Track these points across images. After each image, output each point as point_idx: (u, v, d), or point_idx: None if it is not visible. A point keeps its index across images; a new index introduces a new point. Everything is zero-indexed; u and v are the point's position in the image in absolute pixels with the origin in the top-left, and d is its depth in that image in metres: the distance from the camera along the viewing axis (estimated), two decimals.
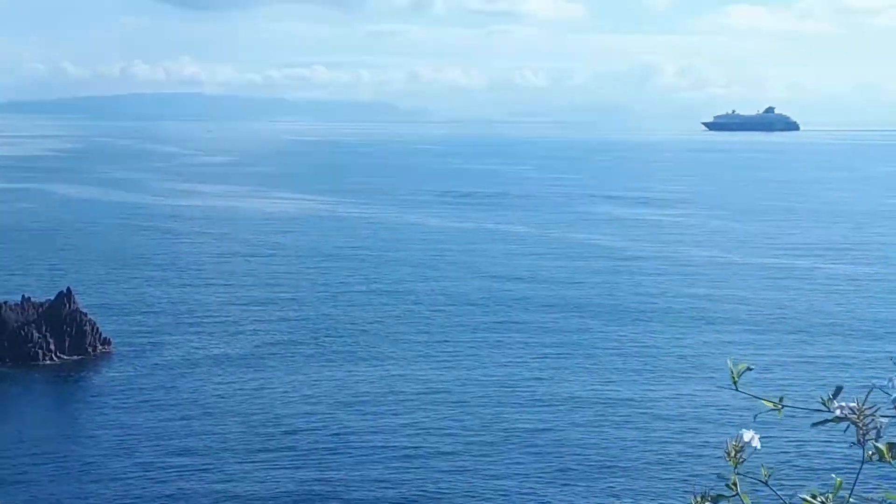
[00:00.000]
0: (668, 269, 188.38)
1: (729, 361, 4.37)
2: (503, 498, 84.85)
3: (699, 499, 4.07)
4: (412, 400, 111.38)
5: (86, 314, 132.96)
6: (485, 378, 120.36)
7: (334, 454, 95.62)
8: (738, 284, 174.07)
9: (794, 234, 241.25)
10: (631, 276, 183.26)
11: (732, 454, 3.97)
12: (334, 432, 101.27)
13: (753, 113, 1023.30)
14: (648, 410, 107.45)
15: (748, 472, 4.17)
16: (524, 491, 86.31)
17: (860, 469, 3.65)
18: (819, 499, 3.72)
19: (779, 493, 4.03)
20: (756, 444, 4.10)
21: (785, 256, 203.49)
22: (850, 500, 3.68)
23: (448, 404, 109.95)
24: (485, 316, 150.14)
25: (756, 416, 4.45)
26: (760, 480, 3.98)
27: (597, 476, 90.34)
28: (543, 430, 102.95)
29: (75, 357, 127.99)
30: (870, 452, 3.71)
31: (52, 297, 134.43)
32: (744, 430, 4.12)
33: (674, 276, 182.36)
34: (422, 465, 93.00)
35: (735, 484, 3.95)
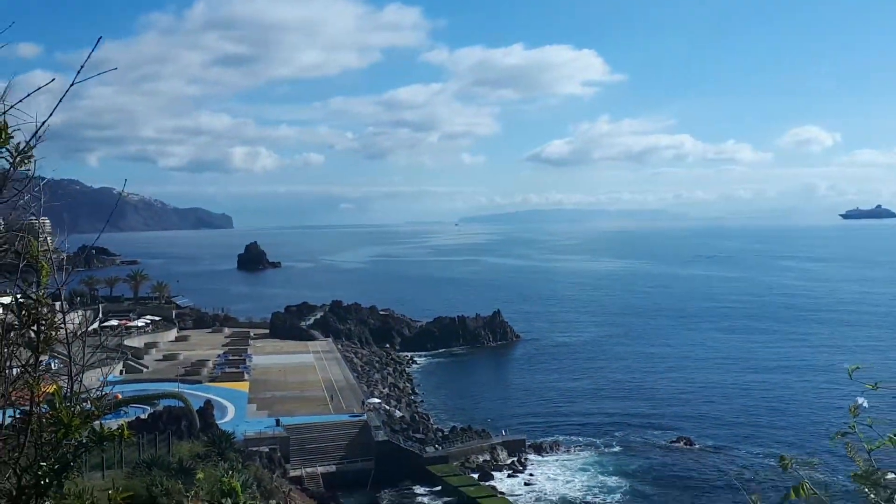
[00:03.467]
0: (833, 308, 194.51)
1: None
2: None
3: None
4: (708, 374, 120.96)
5: (507, 322, 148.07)
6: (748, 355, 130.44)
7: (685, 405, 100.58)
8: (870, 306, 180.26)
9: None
10: (806, 298, 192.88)
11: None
12: (633, 376, 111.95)
13: (869, 208, 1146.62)
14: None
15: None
16: None
17: None
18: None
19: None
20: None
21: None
22: None
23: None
24: (724, 317, 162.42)
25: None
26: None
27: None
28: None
29: (503, 342, 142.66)
30: None
31: (491, 314, 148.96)
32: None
33: (831, 307, 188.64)
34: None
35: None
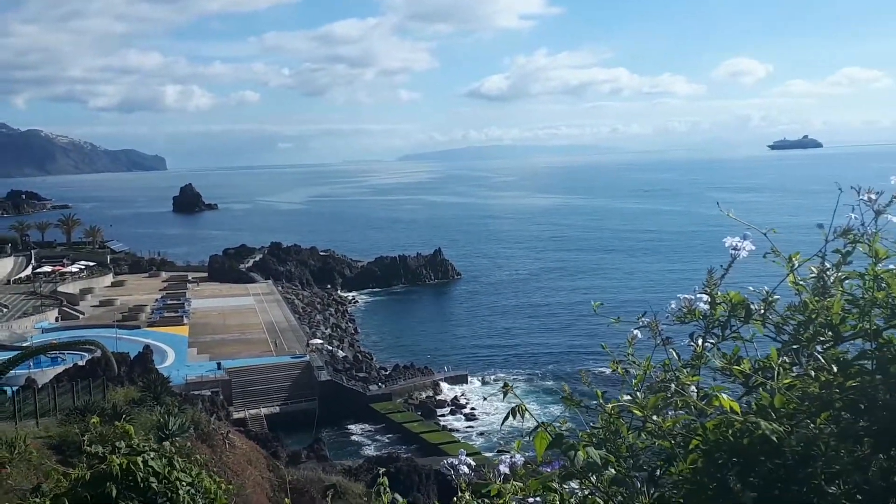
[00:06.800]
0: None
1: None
2: None
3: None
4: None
5: (448, 260, 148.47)
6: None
7: (575, 324, 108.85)
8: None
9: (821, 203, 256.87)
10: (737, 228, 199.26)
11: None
12: (570, 309, 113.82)
13: (795, 139, 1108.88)
14: None
15: None
16: None
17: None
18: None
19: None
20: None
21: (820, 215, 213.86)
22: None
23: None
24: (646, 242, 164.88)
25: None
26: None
27: None
28: None
29: (444, 280, 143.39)
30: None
31: (431, 252, 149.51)
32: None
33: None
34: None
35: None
